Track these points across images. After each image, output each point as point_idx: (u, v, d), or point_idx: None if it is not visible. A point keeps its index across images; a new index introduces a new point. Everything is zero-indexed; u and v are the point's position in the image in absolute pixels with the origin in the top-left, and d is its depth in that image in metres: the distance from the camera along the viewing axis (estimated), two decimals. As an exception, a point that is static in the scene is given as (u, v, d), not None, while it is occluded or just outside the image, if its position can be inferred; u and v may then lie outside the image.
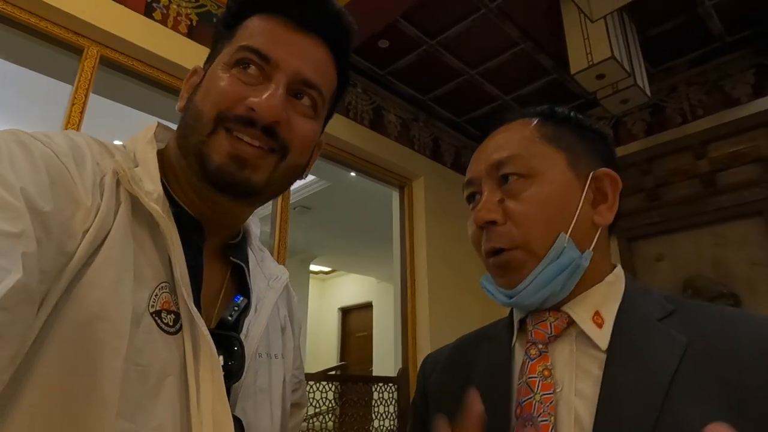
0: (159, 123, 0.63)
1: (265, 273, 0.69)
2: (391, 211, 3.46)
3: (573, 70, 2.47)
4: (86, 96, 1.95)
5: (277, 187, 0.61)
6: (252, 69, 0.57)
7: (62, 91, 2.06)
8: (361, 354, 6.84)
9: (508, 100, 3.41)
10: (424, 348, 3.02)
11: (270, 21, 0.60)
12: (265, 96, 0.55)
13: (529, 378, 0.59)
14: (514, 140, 0.66)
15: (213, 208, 0.59)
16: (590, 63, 2.39)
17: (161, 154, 0.60)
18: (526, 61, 3.03)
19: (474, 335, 0.77)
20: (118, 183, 0.52)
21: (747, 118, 2.70)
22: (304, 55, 0.59)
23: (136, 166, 0.54)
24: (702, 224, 2.86)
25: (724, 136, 2.76)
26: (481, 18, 2.69)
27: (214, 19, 2.40)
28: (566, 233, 0.61)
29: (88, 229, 0.47)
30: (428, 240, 3.27)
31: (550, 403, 0.56)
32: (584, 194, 0.63)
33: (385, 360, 6.17)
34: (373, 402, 2.84)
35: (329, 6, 0.62)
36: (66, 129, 1.85)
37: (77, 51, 2.01)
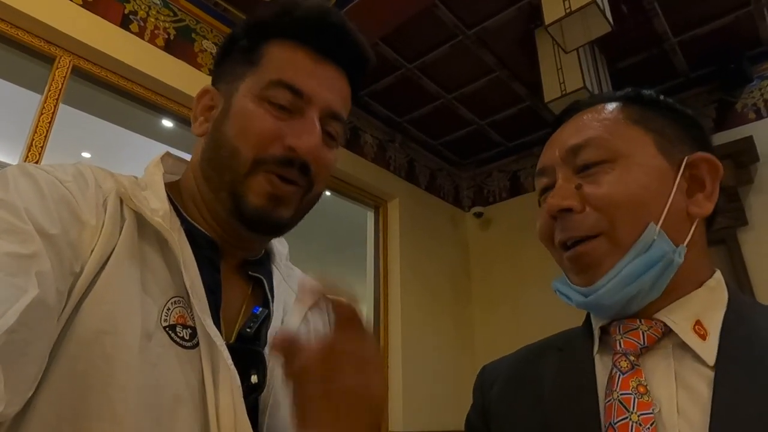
0: (168, 153, 0.64)
1: (293, 288, 0.69)
2: (365, 232, 3.44)
3: (546, 99, 2.54)
4: (56, 106, 1.89)
5: (300, 217, 0.61)
6: (285, 103, 0.58)
7: (28, 99, 2.00)
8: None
9: (484, 125, 3.47)
10: (396, 372, 2.98)
11: (296, 51, 0.60)
12: (305, 136, 0.56)
13: (622, 395, 0.49)
14: (593, 122, 0.58)
15: (235, 238, 0.60)
16: (563, 92, 2.46)
17: (176, 184, 0.62)
18: (501, 88, 3.10)
19: (538, 346, 0.67)
20: (121, 202, 0.52)
21: (710, 150, 2.81)
22: (330, 86, 0.60)
23: (144, 190, 0.55)
24: (668, 251, 2.93)
25: (689, 166, 2.85)
26: (458, 45, 2.75)
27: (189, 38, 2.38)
28: (656, 224, 0.52)
29: (94, 248, 0.47)
30: (402, 261, 3.26)
31: (651, 424, 0.47)
32: (677, 181, 0.54)
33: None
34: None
35: (350, 36, 0.62)
36: (33, 138, 1.80)
37: (48, 60, 1.96)
